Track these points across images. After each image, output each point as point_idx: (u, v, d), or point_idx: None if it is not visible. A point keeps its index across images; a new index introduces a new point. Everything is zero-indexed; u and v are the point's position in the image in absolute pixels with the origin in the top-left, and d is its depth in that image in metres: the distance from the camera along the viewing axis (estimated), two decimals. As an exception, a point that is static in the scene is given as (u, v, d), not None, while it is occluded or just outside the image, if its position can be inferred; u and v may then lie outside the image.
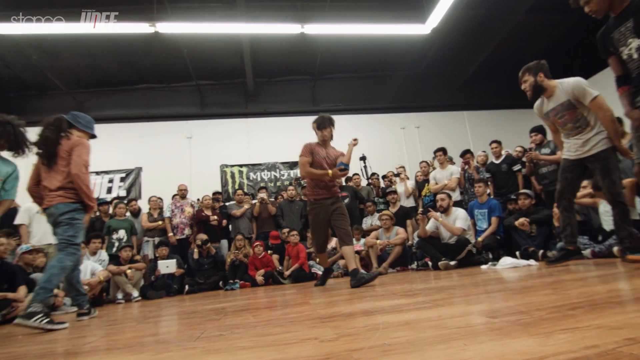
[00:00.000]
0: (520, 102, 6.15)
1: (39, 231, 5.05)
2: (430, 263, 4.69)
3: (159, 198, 6.56)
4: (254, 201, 6.97)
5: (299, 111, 9.19)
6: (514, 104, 9.06)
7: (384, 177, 7.02)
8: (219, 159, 8.75)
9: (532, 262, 3.59)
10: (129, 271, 5.16)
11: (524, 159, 5.23)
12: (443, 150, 5.93)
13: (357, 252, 5.46)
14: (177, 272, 5.50)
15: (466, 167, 5.92)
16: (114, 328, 2.25)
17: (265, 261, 5.68)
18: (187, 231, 6.20)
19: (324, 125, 3.64)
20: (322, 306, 2.20)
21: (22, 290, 3.61)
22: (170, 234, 6.06)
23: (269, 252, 5.90)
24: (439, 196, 4.91)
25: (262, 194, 6.66)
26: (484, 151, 6.07)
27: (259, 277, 5.40)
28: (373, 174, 7.18)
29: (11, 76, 7.71)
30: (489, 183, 5.49)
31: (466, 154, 6.04)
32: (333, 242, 5.86)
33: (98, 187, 8.10)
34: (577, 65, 8.30)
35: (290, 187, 6.70)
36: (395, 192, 6.02)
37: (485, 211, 4.86)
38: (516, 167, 5.40)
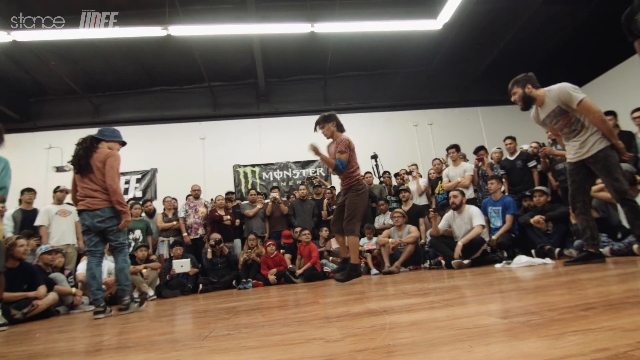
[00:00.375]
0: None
1: (58, 232, 5.21)
2: (443, 262, 4.62)
3: (174, 198, 6.66)
4: (266, 201, 7.02)
5: (310, 110, 9.17)
6: (529, 99, 8.83)
7: (396, 175, 6.96)
8: (232, 159, 8.83)
9: (547, 260, 3.50)
10: (144, 270, 5.26)
11: (539, 155, 5.11)
12: (456, 147, 5.84)
13: (369, 251, 5.44)
14: (192, 271, 5.58)
15: (480, 164, 5.81)
16: (128, 326, 2.30)
17: (277, 260, 5.71)
18: (200, 231, 6.28)
19: (315, 128, 3.85)
20: (331, 305, 2.19)
21: (42, 289, 3.72)
22: (185, 234, 6.15)
23: (281, 251, 5.93)
24: (451, 193, 4.83)
25: (275, 194, 6.70)
26: (499, 148, 5.95)
27: (271, 276, 5.43)
28: (385, 172, 7.13)
29: (30, 81, 7.95)
30: (503, 180, 5.38)
31: (480, 150, 5.92)
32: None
33: (115, 189, 8.27)
34: (593, 57, 8.10)
35: (302, 187, 6.71)
36: (407, 190, 5.97)
37: (500, 208, 4.76)
38: (531, 164, 5.28)
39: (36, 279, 3.76)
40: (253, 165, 8.86)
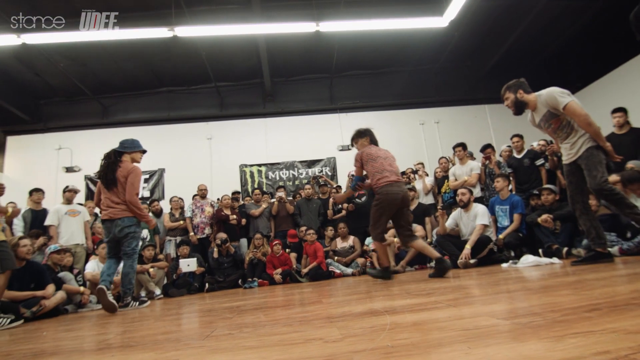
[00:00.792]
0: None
1: (67, 232, 5.28)
2: (449, 261, 4.57)
3: (180, 198, 6.71)
4: (272, 200, 7.03)
5: (316, 110, 9.20)
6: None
7: (402, 173, 6.91)
8: (239, 159, 8.88)
9: (555, 260, 3.45)
10: (151, 270, 5.31)
11: (546, 153, 5.03)
12: (462, 145, 5.78)
13: (375, 250, 5.41)
14: (198, 270, 5.61)
15: (487, 162, 5.74)
16: (133, 325, 2.32)
17: (283, 259, 5.72)
18: (207, 230, 6.32)
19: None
20: (334, 305, 2.19)
21: (50, 288, 3.77)
22: (191, 234, 6.19)
23: (287, 250, 5.93)
24: (459, 191, 4.78)
25: (280, 193, 6.71)
26: (509, 146, 5.86)
27: (276, 276, 5.44)
28: (391, 171, 7.07)
29: (41, 83, 8.08)
30: (511, 178, 5.31)
31: (487, 148, 5.84)
32: (350, 241, 5.84)
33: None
34: (603, 54, 7.95)
35: (308, 186, 6.70)
36: (413, 189, 5.93)
37: (507, 207, 4.70)
38: (539, 162, 5.20)
39: (44, 278, 3.82)
40: (259, 165, 8.89)
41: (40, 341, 2.05)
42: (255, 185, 8.65)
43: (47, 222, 5.25)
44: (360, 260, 5.55)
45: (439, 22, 6.55)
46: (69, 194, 5.52)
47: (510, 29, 7.45)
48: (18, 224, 5.21)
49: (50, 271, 4.09)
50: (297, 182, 8.80)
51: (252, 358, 1.13)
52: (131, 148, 3.87)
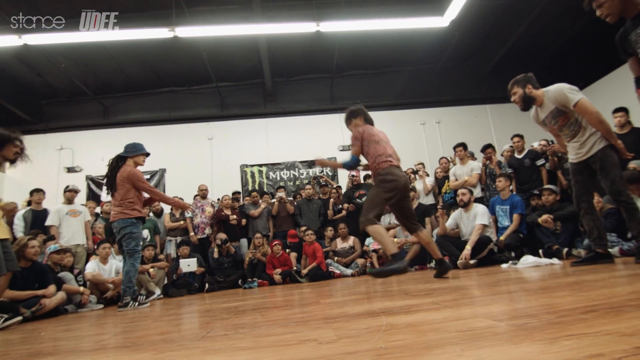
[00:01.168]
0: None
1: (68, 232, 5.30)
2: (449, 262, 4.56)
3: (181, 198, 6.70)
4: (272, 200, 7.02)
5: (317, 110, 9.19)
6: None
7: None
8: (239, 159, 8.88)
9: (555, 260, 3.43)
10: (151, 270, 5.31)
11: (547, 153, 5.01)
12: (463, 145, 5.76)
13: (375, 251, 5.41)
14: (198, 270, 5.62)
15: (487, 162, 5.73)
16: (130, 325, 2.32)
17: (283, 260, 5.71)
18: (207, 230, 6.32)
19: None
20: (331, 306, 2.18)
21: (52, 288, 3.79)
22: (192, 234, 6.19)
23: (287, 250, 5.93)
24: (460, 191, 4.77)
25: (281, 193, 6.71)
26: (511, 146, 5.83)
27: (276, 276, 5.44)
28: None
29: (42, 84, 8.11)
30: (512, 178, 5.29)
31: (487, 148, 5.82)
32: (350, 241, 5.83)
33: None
34: (605, 53, 7.90)
35: (308, 186, 6.70)
36: (413, 189, 5.91)
37: (507, 207, 4.68)
38: (540, 162, 5.18)
39: (47, 278, 3.85)
40: (260, 165, 8.89)
41: (38, 341, 2.05)
42: (256, 186, 8.65)
43: (48, 222, 5.27)
44: (360, 261, 5.54)
45: (440, 21, 6.54)
46: (69, 194, 5.54)
47: (511, 29, 7.43)
48: (18, 224, 5.23)
49: (50, 271, 4.10)
50: (297, 182, 8.80)
51: (245, 359, 1.12)
52: (133, 152, 4.00)
